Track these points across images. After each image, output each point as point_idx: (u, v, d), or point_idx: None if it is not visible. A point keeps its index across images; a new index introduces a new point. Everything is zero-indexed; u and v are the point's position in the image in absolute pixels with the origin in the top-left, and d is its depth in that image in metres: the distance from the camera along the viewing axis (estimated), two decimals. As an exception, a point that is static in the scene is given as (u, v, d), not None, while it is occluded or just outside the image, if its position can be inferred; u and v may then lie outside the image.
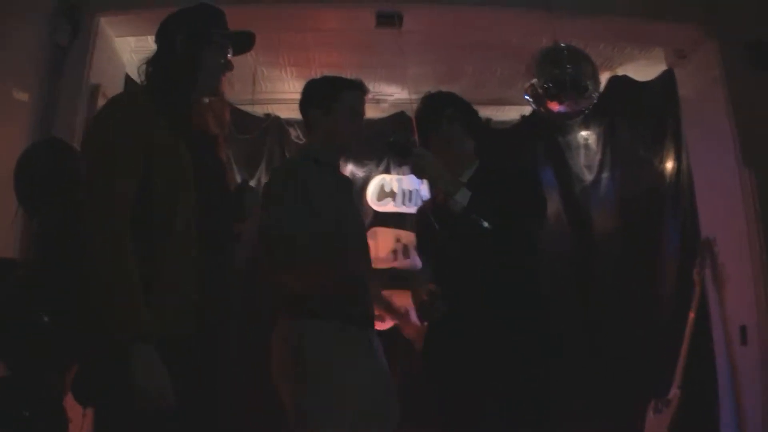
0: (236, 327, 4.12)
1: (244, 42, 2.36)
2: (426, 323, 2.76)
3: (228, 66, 2.28)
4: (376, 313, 2.79)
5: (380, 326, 4.74)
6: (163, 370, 1.88)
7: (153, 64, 2.20)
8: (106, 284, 1.88)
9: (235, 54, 2.32)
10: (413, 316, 2.85)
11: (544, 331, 2.56)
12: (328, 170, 2.73)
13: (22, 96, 3.59)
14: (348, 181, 2.97)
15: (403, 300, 5.07)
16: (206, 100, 2.33)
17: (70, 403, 2.45)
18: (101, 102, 3.83)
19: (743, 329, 4.00)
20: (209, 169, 2.26)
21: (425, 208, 2.98)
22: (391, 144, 2.65)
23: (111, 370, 1.88)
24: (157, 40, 2.24)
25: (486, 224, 2.42)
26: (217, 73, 2.26)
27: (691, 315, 4.19)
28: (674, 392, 4.04)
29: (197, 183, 2.12)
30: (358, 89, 2.75)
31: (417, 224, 3.07)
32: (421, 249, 3.06)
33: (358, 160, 5.32)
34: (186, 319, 2.04)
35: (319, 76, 2.90)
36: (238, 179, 4.32)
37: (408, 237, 5.25)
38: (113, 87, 4.10)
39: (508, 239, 2.50)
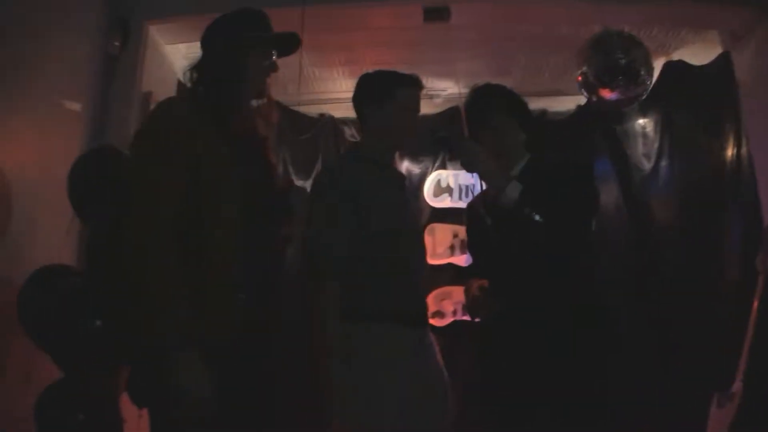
0: (289, 331, 4.16)
1: (289, 44, 2.39)
2: (477, 320, 2.74)
3: (273, 68, 2.32)
4: (433, 309, 2.77)
5: (439, 323, 4.81)
6: (206, 377, 1.91)
7: (198, 69, 2.26)
8: (150, 291, 1.93)
9: (279, 56, 2.35)
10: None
11: (600, 326, 2.52)
12: (380, 167, 2.73)
13: (75, 106, 3.71)
14: (401, 178, 2.97)
15: (462, 295, 5.10)
16: (254, 102, 2.35)
17: (126, 403, 2.54)
18: (153, 109, 3.92)
19: (808, 319, 3.84)
20: (258, 172, 2.27)
21: (476, 203, 2.95)
22: (439, 138, 2.63)
23: (159, 375, 1.93)
24: (202, 46, 2.29)
25: (538, 218, 2.38)
26: (262, 75, 2.31)
27: (756, 304, 4.05)
28: (738, 386, 3.92)
29: (246, 186, 2.14)
30: (414, 85, 2.74)
31: (467, 219, 3.04)
32: (471, 245, 3.02)
33: (414, 157, 5.30)
34: (234, 325, 2.05)
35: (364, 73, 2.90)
36: (293, 180, 4.37)
37: (465, 232, 5.22)
38: (165, 94, 4.08)
39: (560, 233, 2.46)
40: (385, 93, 2.68)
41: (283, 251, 2.43)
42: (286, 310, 4.31)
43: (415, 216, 3.29)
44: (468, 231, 3.03)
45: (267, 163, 2.35)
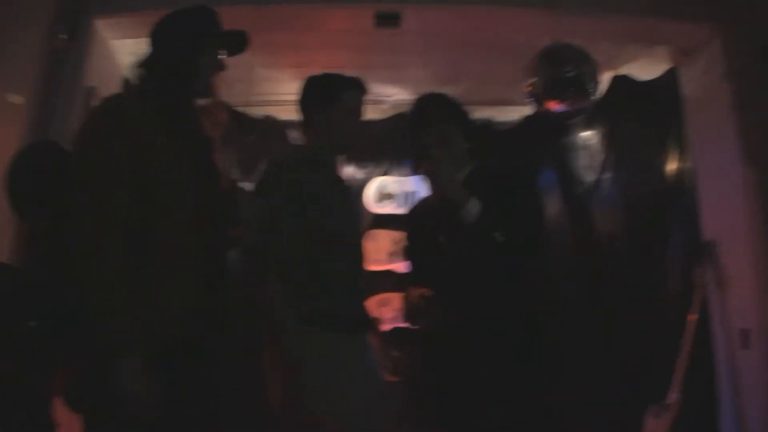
0: (238, 333, 4.08)
1: (238, 42, 2.36)
2: (416, 327, 2.73)
3: (220, 67, 2.29)
4: (372, 315, 2.76)
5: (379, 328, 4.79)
6: (149, 382, 1.88)
7: (146, 65, 2.23)
8: (94, 292, 1.89)
9: (229, 55, 2.32)
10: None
11: (543, 336, 2.54)
12: (324, 170, 2.70)
13: (18, 99, 3.59)
14: (343, 182, 2.94)
15: (401, 301, 5.10)
16: (201, 102, 2.31)
17: (60, 407, 2.48)
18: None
19: (745, 333, 3.93)
20: (203, 172, 2.23)
21: (418, 211, 2.94)
22: (416, 141, 2.63)
23: (99, 378, 1.90)
24: (151, 41, 2.25)
25: (500, 238, 2.40)
26: (210, 73, 2.27)
27: (692, 318, 4.12)
28: (674, 397, 3.99)
29: (191, 186, 2.10)
30: (359, 88, 2.72)
31: (408, 226, 3.02)
32: (411, 251, 2.99)
33: (358, 162, 5.28)
34: (184, 326, 2.03)
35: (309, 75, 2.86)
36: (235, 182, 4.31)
37: (406, 239, 5.23)
38: (110, 89, 3.95)
39: (518, 249, 2.47)
40: (331, 95, 2.66)
41: (228, 252, 2.37)
42: (233, 311, 4.25)
43: (358, 220, 3.26)
44: (409, 238, 3.00)
45: (212, 164, 2.32)
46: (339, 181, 2.89)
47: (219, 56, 2.27)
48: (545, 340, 2.57)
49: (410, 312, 2.61)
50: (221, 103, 2.43)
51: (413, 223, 2.97)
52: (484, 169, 2.69)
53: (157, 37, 2.24)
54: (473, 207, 2.41)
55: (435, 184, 2.56)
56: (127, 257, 1.92)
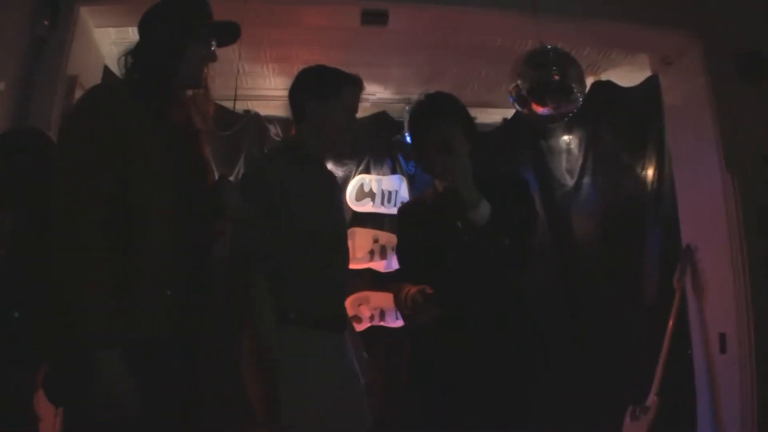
0: (221, 329, 4.04)
1: (229, 33, 2.32)
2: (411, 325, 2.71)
3: (211, 57, 2.24)
4: (351, 314, 2.72)
5: (356, 328, 4.77)
6: (128, 378, 1.85)
7: (134, 55, 2.17)
8: (74, 286, 1.85)
9: (219, 45, 2.28)
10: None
11: (534, 337, 2.55)
12: (312, 165, 2.66)
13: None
14: (332, 177, 2.91)
15: (380, 301, 5.09)
16: (189, 93, 2.27)
17: (43, 401, 2.41)
18: (78, 93, 3.75)
19: (722, 337, 3.99)
20: (191, 165, 2.19)
21: (409, 209, 2.92)
22: (397, 143, 2.62)
23: (78, 373, 1.86)
24: (140, 31, 2.20)
25: (507, 241, 2.41)
26: (200, 64, 2.23)
27: (671, 323, 4.18)
28: (652, 399, 4.03)
29: (177, 179, 2.06)
30: (357, 85, 2.68)
31: (400, 224, 2.99)
32: (402, 249, 2.96)
33: (339, 160, 5.26)
34: (165, 321, 1.99)
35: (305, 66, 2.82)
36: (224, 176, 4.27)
37: (386, 238, 5.24)
38: (91, 78, 4.02)
39: (519, 252, 2.50)
40: (330, 90, 2.60)
41: (213, 247, 2.33)
42: (216, 307, 4.20)
43: (344, 218, 3.23)
44: (400, 236, 2.97)
45: (200, 156, 2.29)
46: (330, 176, 2.86)
47: (209, 47, 2.23)
48: (533, 342, 2.57)
49: (411, 310, 2.58)
50: (209, 95, 2.37)
51: (404, 221, 2.94)
52: (482, 173, 2.69)
53: (146, 26, 2.20)
54: (485, 208, 2.41)
55: (450, 183, 2.52)
56: (107, 250, 1.90)
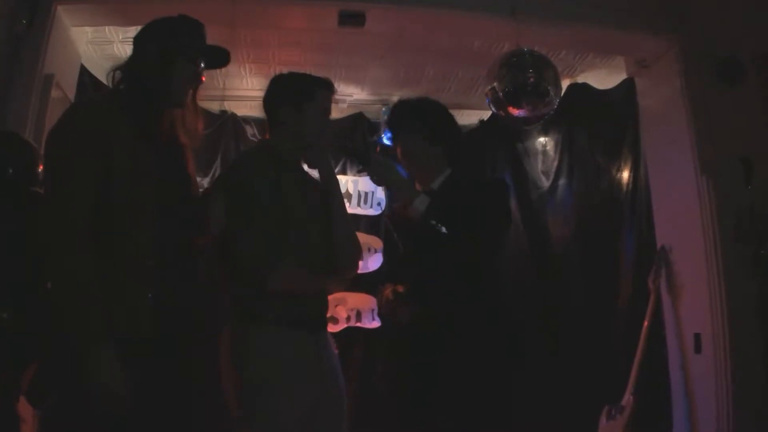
0: (205, 333, 4.02)
1: (219, 58, 2.37)
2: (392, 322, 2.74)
3: (198, 79, 2.29)
4: (328, 315, 2.73)
5: (332, 329, 4.77)
6: (120, 373, 1.89)
7: (123, 70, 2.21)
8: (64, 285, 1.91)
9: (207, 68, 2.33)
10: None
11: (505, 335, 2.56)
12: (292, 170, 2.67)
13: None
14: (309, 178, 2.91)
15: (357, 302, 5.10)
16: (177, 110, 2.29)
17: (24, 403, 2.48)
18: (55, 92, 3.76)
19: (697, 337, 4.03)
20: (175, 178, 2.24)
21: (395, 212, 2.97)
22: (349, 149, 2.65)
23: (67, 370, 1.92)
24: (133, 45, 2.25)
25: (444, 230, 2.43)
26: (186, 85, 2.26)
27: (646, 323, 4.22)
28: (628, 399, 4.07)
29: (161, 193, 2.11)
30: (330, 89, 2.70)
31: (386, 227, 3.07)
32: (387, 250, 3.03)
33: (314, 163, 5.22)
34: (146, 322, 2.02)
35: (278, 73, 2.84)
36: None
37: (363, 239, 5.21)
38: (68, 77, 4.03)
39: (467, 244, 2.49)
40: (304, 94, 2.62)
41: (197, 257, 2.35)
42: (200, 310, 4.19)
43: (323, 218, 3.22)
44: (385, 239, 3.05)
45: (185, 171, 2.32)
46: (308, 180, 2.86)
47: (197, 68, 2.27)
48: (505, 341, 2.58)
49: (385, 309, 2.61)
50: (198, 113, 2.40)
51: (390, 223, 3.01)
52: (460, 174, 2.72)
53: (138, 43, 2.24)
54: (421, 203, 2.47)
55: (382, 184, 2.66)
56: (93, 252, 1.94)
